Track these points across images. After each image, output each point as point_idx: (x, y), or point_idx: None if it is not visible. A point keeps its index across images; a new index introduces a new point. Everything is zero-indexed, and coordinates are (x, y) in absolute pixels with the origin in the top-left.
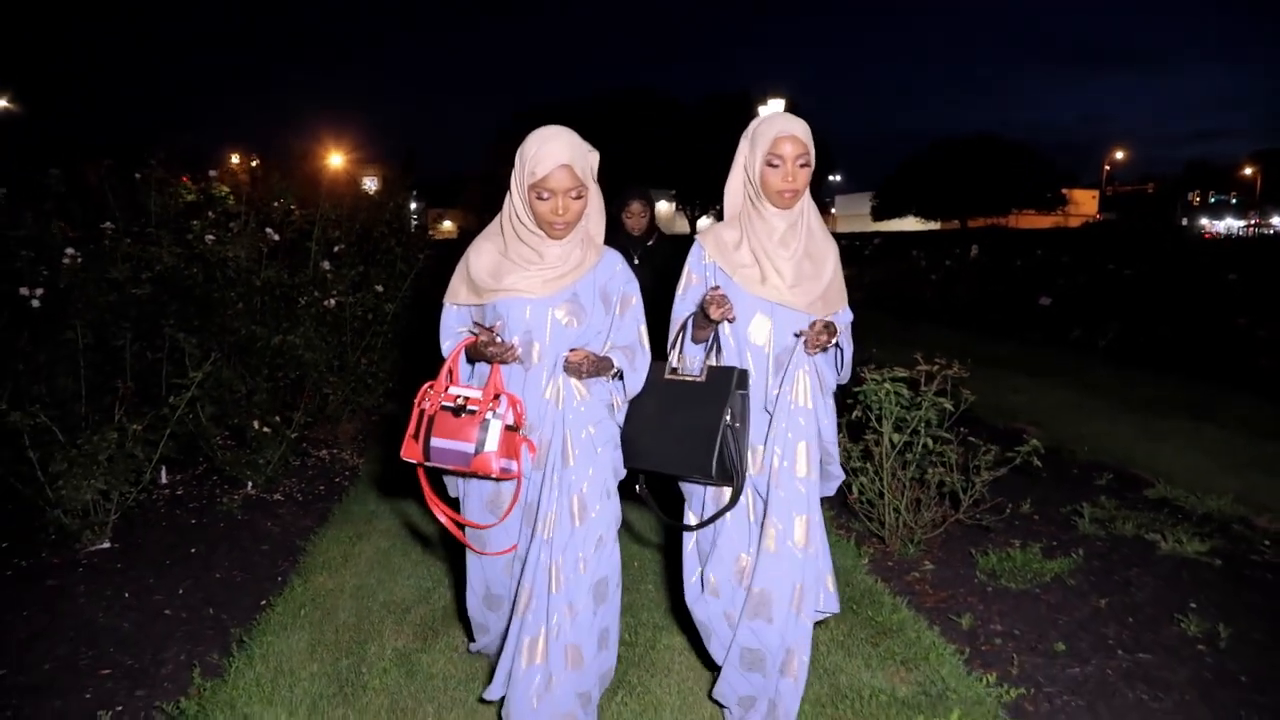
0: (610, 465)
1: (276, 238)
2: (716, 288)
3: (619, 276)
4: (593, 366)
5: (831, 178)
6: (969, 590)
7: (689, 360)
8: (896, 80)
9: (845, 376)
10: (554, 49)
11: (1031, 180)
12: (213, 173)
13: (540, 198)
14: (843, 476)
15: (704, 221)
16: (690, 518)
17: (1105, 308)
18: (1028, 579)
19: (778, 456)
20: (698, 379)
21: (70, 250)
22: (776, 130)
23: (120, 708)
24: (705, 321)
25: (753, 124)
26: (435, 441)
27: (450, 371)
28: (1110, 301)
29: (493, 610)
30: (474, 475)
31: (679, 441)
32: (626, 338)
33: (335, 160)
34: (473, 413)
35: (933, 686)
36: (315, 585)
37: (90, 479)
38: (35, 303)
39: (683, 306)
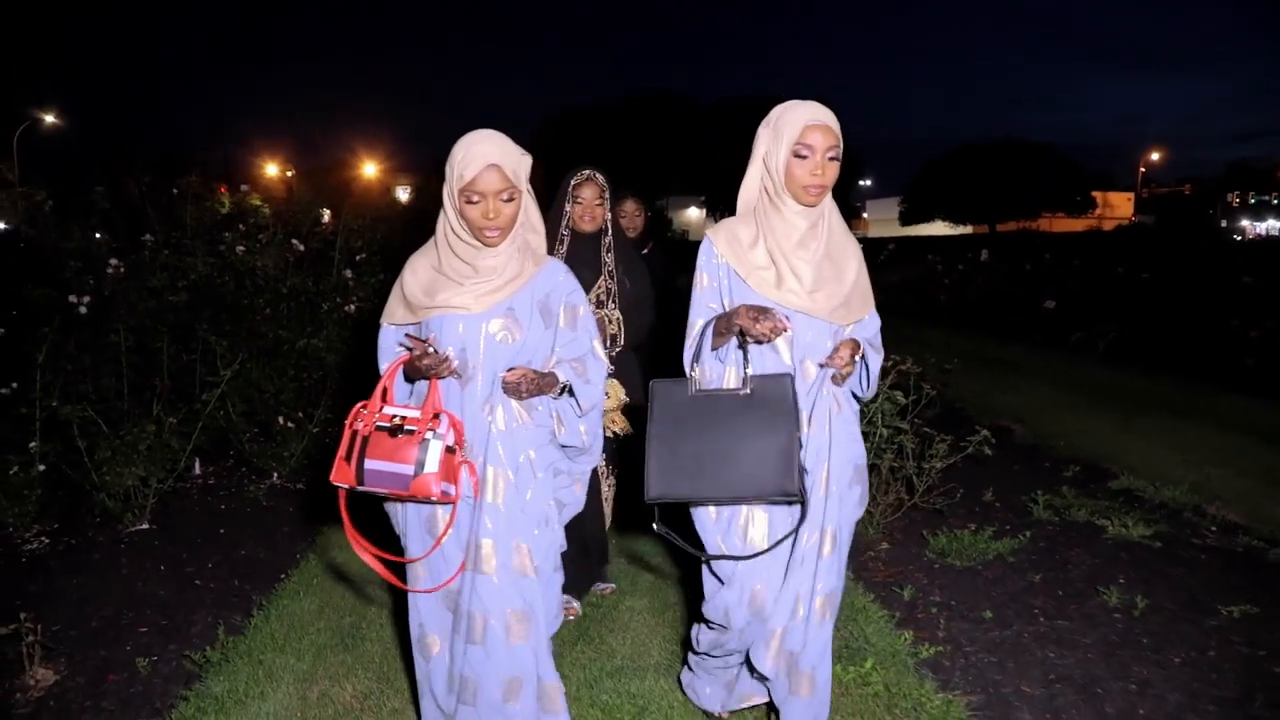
0: (548, 493)
1: (302, 248)
2: (758, 311)
3: (561, 287)
4: (533, 385)
5: (862, 182)
6: (917, 567)
7: (709, 370)
8: (927, 81)
9: (871, 391)
10: (584, 54)
11: (1060, 183)
12: (244, 187)
13: (470, 202)
14: (865, 499)
15: None
16: (716, 542)
17: (1107, 311)
18: (973, 557)
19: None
20: (739, 392)
21: (114, 261)
22: (806, 118)
23: (156, 657)
24: (724, 328)
25: (775, 111)
26: (370, 464)
27: (385, 391)
28: (1113, 304)
29: (426, 659)
30: (411, 500)
31: (744, 463)
32: (576, 350)
33: (369, 170)
34: (411, 432)
35: (854, 641)
36: (328, 561)
37: (131, 466)
38: (83, 309)
39: (697, 312)
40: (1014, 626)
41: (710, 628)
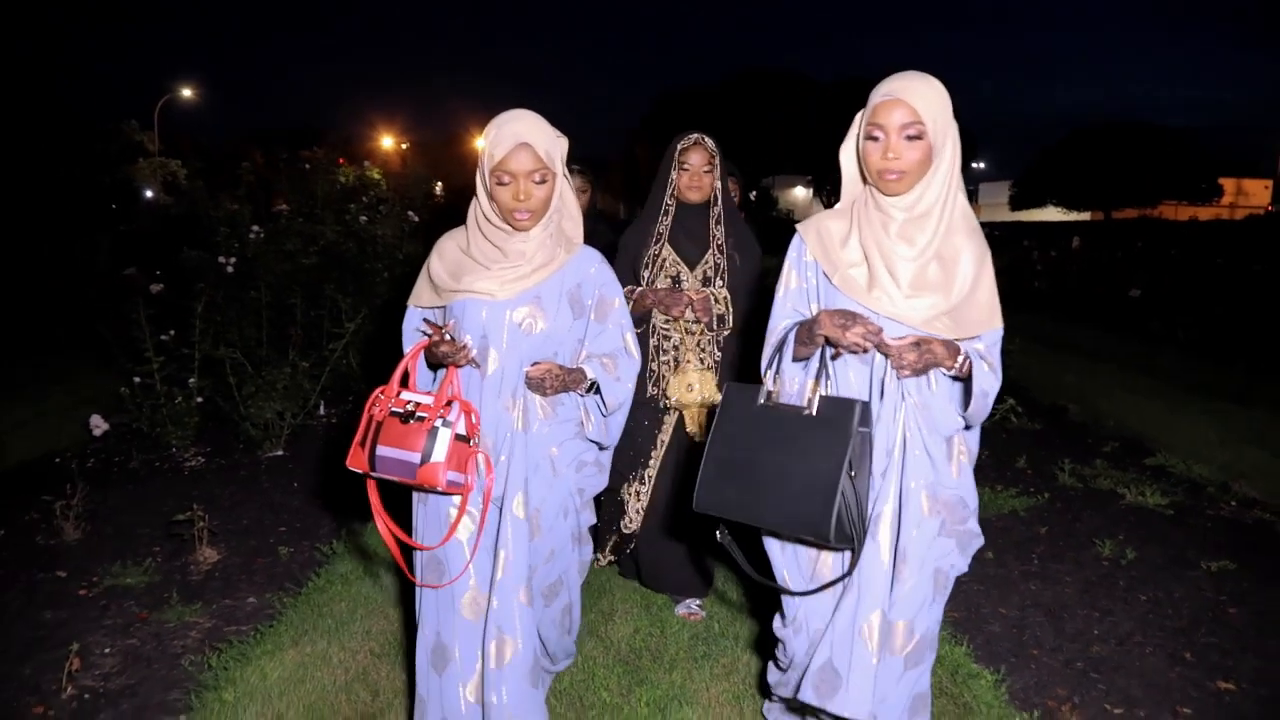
0: (570, 487)
1: (416, 219)
2: (844, 317)
3: (594, 278)
4: (558, 381)
5: (975, 165)
6: None
7: (788, 381)
8: (1045, 57)
9: (977, 416)
10: (694, 30)
11: (1183, 169)
12: (366, 163)
13: (501, 183)
14: (978, 537)
15: None
16: (785, 576)
17: (1196, 301)
18: (989, 510)
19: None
20: (804, 411)
21: (255, 228)
22: (881, 93)
23: (292, 548)
24: (807, 336)
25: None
26: (380, 450)
27: (406, 374)
28: (1204, 295)
29: (437, 670)
30: (419, 488)
31: (785, 491)
32: (607, 345)
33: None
34: (421, 419)
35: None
36: None
37: (271, 402)
38: (229, 269)
39: (781, 314)
40: (1008, 565)
41: (778, 666)
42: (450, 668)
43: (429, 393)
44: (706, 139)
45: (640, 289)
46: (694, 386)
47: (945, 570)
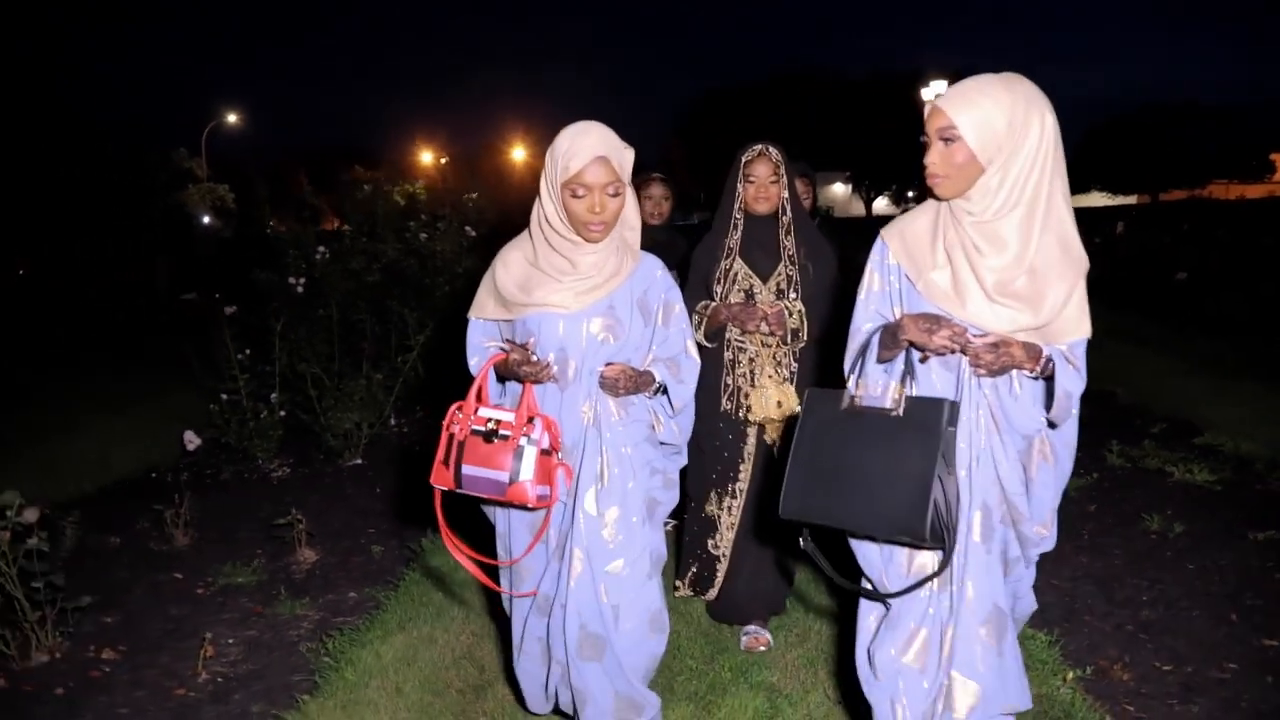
0: (644, 493)
1: (474, 234)
2: (930, 320)
3: (659, 284)
4: (630, 382)
5: None
6: None
7: (872, 384)
8: (1078, 43)
9: (1061, 416)
10: (727, 31)
11: (1230, 147)
12: (420, 183)
13: (575, 195)
14: (1045, 543)
15: (880, 203)
16: (883, 579)
17: (1242, 282)
18: None
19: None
20: (890, 412)
21: (320, 248)
22: (930, 102)
23: (382, 547)
24: (894, 341)
25: None
26: (467, 469)
27: (480, 391)
28: (1252, 276)
29: (530, 659)
30: (509, 504)
31: (876, 493)
32: (671, 349)
33: (517, 154)
34: (505, 438)
35: None
36: None
37: (349, 413)
38: (299, 289)
39: (863, 316)
40: (1059, 541)
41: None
42: (539, 658)
43: (502, 406)
44: (771, 149)
45: (714, 304)
46: (781, 403)
47: (1010, 558)
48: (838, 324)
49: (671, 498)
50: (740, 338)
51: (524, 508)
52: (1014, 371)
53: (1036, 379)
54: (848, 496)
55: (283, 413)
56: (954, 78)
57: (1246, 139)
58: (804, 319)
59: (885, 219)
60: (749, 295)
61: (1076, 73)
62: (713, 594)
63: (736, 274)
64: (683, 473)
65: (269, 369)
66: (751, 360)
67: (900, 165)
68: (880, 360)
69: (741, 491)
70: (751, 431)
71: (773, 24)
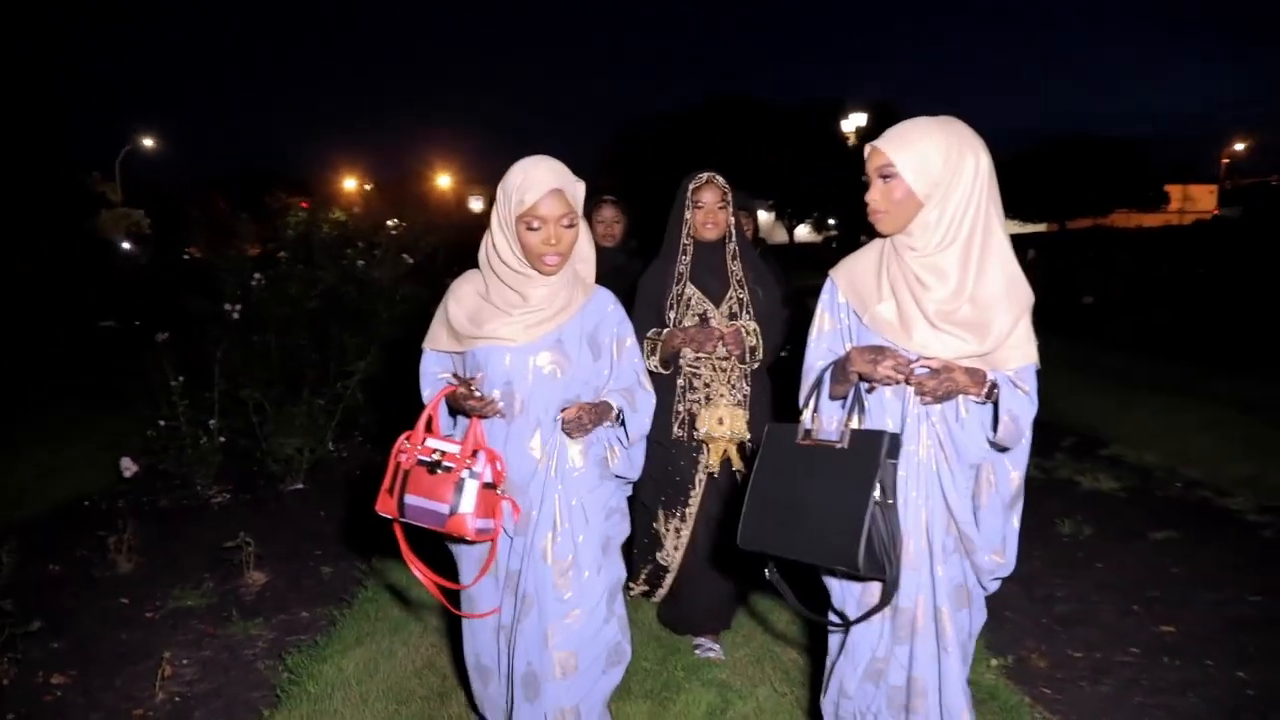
0: (601, 535)
1: (411, 261)
2: (874, 351)
3: (611, 318)
4: (591, 416)
5: None
6: None
7: (826, 420)
8: (1000, 72)
9: (1008, 440)
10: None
11: (1130, 178)
12: (338, 212)
13: (530, 228)
14: (1000, 570)
15: (802, 230)
16: (846, 609)
17: (1143, 305)
18: None
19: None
20: (837, 444)
21: (257, 275)
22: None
23: (332, 569)
24: (844, 375)
25: None
26: (409, 499)
27: (430, 420)
28: (1153, 299)
29: (484, 684)
30: (449, 536)
31: (817, 524)
32: (624, 380)
33: (443, 181)
34: (449, 470)
35: None
36: None
37: (290, 438)
38: (235, 315)
39: (816, 354)
40: None
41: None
42: (493, 683)
43: (451, 438)
44: (717, 177)
45: (668, 330)
46: (724, 420)
47: (969, 586)
48: (793, 353)
49: (624, 529)
50: (694, 362)
51: (464, 540)
52: (960, 397)
53: (983, 404)
54: (796, 527)
55: (222, 439)
56: (872, 109)
57: (1141, 170)
58: (759, 337)
59: (808, 246)
60: (703, 319)
61: (991, 105)
62: (662, 593)
63: (690, 299)
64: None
65: (208, 394)
66: (706, 385)
67: (822, 194)
68: (833, 396)
69: (690, 515)
70: (704, 458)
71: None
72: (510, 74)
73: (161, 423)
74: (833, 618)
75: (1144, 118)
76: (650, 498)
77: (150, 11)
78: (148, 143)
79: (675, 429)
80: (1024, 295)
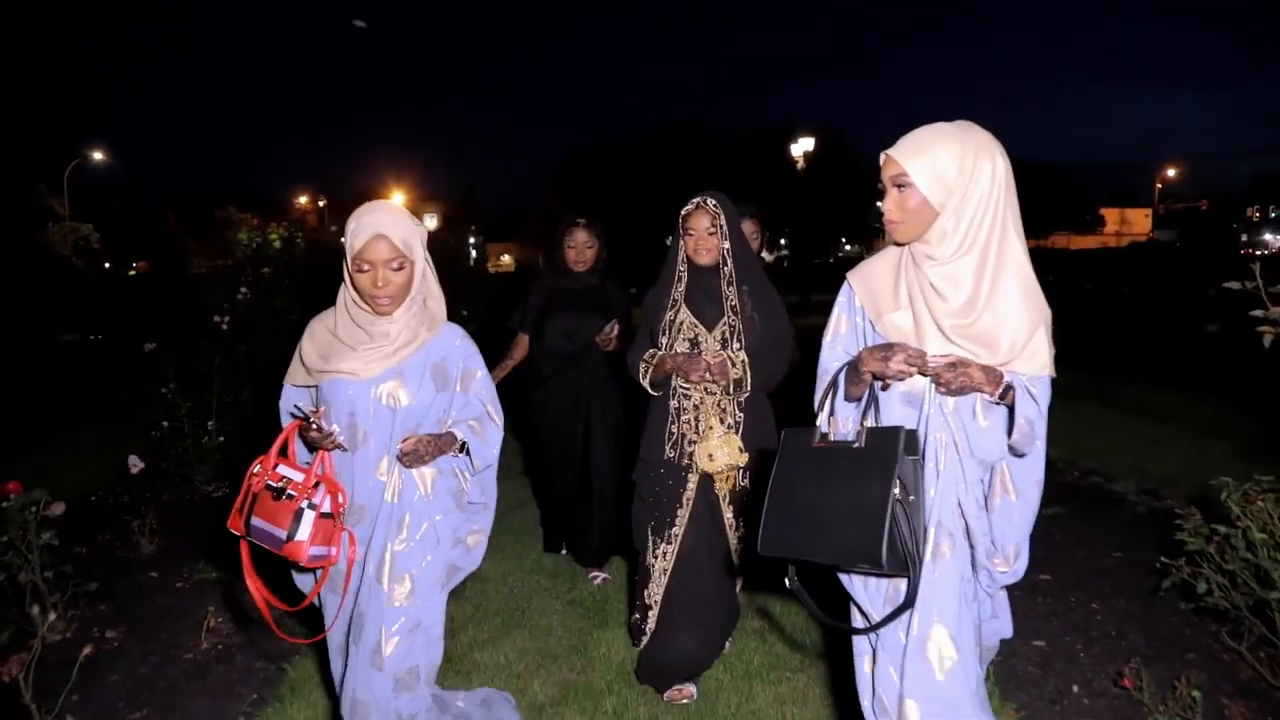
0: (444, 563)
1: None
2: (883, 349)
3: (458, 351)
4: (430, 448)
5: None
6: None
7: (841, 422)
8: (945, 102)
9: (1022, 444)
10: (608, 83)
11: (1067, 203)
12: (285, 225)
13: (360, 270)
14: (1005, 577)
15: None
16: (857, 616)
17: (1071, 321)
18: None
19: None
20: (853, 444)
21: (243, 289)
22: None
23: None
24: (858, 376)
25: None
26: (255, 520)
27: (285, 444)
28: (1082, 316)
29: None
30: (285, 559)
31: (838, 524)
32: (472, 412)
33: (397, 199)
34: (291, 498)
35: None
36: None
37: None
38: (224, 327)
39: (831, 356)
40: None
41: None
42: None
43: (304, 467)
44: (709, 200)
45: (659, 353)
46: (714, 456)
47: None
48: (805, 369)
49: (472, 562)
50: (685, 386)
51: (298, 566)
52: (976, 396)
53: (998, 404)
54: (817, 530)
55: (221, 438)
56: (819, 134)
57: (1077, 196)
58: (747, 369)
59: (762, 265)
60: (695, 344)
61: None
62: (644, 642)
63: (682, 323)
64: (628, 523)
65: (207, 396)
66: (696, 408)
67: (773, 215)
68: (849, 398)
69: (676, 537)
70: (692, 480)
71: (667, 84)
72: (462, 92)
73: (165, 424)
74: (857, 622)
75: (1085, 148)
76: (641, 537)
77: (100, 24)
78: (98, 156)
79: (668, 449)
80: (1040, 307)
